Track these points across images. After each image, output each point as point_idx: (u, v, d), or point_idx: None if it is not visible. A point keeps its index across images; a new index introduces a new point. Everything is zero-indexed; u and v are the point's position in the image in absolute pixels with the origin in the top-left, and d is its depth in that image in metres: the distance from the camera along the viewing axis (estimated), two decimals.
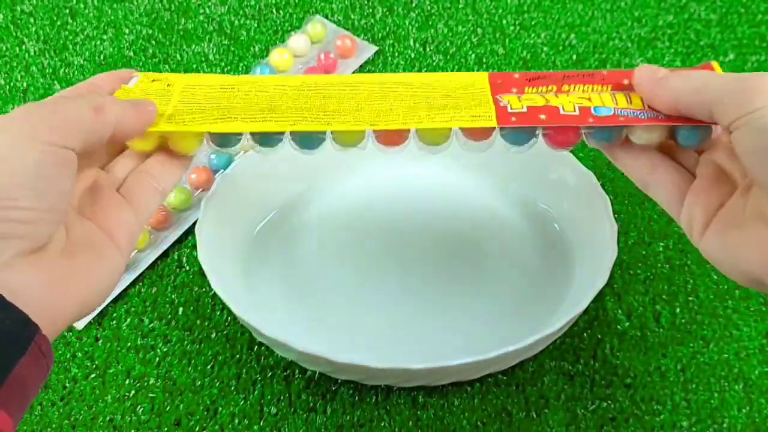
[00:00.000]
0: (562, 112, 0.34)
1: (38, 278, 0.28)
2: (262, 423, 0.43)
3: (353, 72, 0.60)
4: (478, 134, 0.35)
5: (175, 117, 0.35)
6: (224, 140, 0.36)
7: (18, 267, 0.28)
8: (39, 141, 0.28)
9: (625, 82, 0.35)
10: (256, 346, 0.46)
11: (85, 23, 0.63)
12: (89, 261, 0.31)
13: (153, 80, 0.37)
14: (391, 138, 0.35)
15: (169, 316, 0.47)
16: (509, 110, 0.34)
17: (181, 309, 0.47)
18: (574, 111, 0.34)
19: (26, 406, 0.27)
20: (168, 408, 0.43)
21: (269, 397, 0.43)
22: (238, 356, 0.45)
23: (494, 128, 0.34)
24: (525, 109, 0.34)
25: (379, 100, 0.36)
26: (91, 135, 0.30)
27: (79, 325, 0.46)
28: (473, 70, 0.60)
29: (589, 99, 0.35)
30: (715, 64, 0.35)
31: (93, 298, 0.31)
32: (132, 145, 0.36)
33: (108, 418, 0.43)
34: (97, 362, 0.45)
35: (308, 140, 0.35)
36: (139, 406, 0.43)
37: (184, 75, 0.38)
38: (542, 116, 0.34)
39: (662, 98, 0.33)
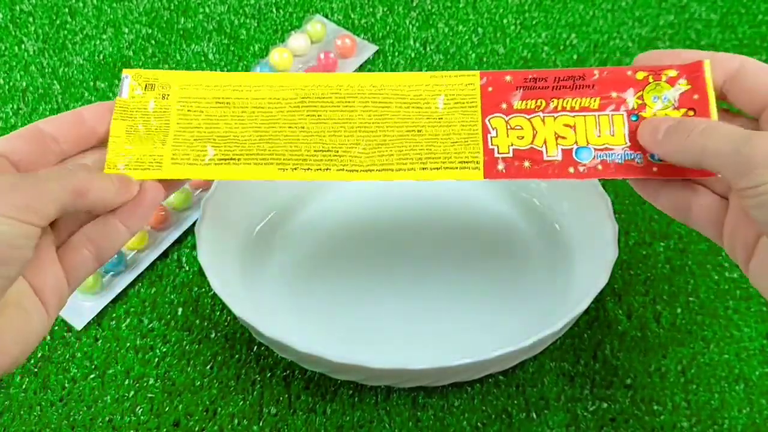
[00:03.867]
0: (546, 157, 0.35)
1: None
2: (261, 423, 0.42)
3: (353, 72, 0.60)
4: None
5: (175, 153, 0.35)
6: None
7: None
8: (15, 219, 0.28)
9: (613, 94, 0.35)
10: (255, 347, 0.45)
11: (85, 22, 0.63)
12: (17, 318, 0.30)
13: (146, 85, 0.37)
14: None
15: (169, 317, 0.47)
16: (496, 154, 0.35)
17: (180, 309, 0.47)
18: (557, 156, 0.35)
19: None
20: (167, 408, 0.43)
21: (268, 397, 0.43)
22: (237, 356, 0.45)
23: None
24: (511, 154, 0.35)
25: (374, 128, 0.36)
26: (65, 212, 0.31)
27: (78, 325, 0.46)
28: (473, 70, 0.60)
29: (574, 127, 0.35)
30: (706, 63, 0.34)
31: (13, 356, 0.30)
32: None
33: (107, 418, 0.43)
34: (96, 363, 0.45)
35: None
36: (138, 407, 0.43)
37: (177, 75, 0.37)
38: (526, 164, 0.35)
39: (668, 157, 0.33)
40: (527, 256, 0.48)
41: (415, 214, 0.50)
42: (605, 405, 0.43)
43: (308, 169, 0.35)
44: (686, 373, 0.44)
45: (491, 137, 0.35)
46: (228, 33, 0.63)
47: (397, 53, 0.61)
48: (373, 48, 0.61)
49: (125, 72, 0.37)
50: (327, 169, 0.35)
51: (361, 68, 0.60)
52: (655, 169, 0.34)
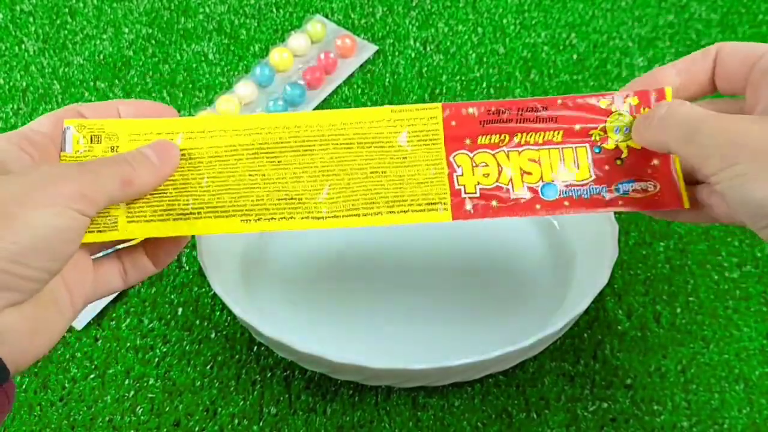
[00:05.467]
0: (512, 195, 0.35)
1: (20, 326, 0.29)
2: (261, 423, 0.42)
3: (353, 72, 0.60)
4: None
5: (130, 211, 0.34)
6: None
7: (5, 314, 0.28)
8: (71, 209, 0.29)
9: (576, 127, 0.35)
10: (255, 347, 0.45)
11: (85, 22, 0.63)
12: (51, 313, 0.31)
13: (92, 137, 0.34)
14: None
15: (169, 317, 0.47)
16: (463, 194, 0.35)
17: (180, 309, 0.47)
18: (524, 193, 0.35)
19: None
20: (167, 408, 0.43)
21: (269, 397, 0.43)
22: (237, 357, 0.45)
23: None
24: (478, 193, 0.35)
25: (337, 171, 0.35)
26: (112, 202, 0.32)
27: (79, 325, 0.46)
28: (474, 70, 0.60)
29: (539, 161, 0.35)
30: (668, 90, 0.34)
31: (43, 350, 0.31)
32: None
33: (107, 418, 0.43)
34: (96, 362, 0.45)
35: None
36: (138, 407, 0.43)
37: (125, 124, 0.35)
38: (494, 203, 0.35)
39: (653, 146, 0.33)
40: (527, 256, 0.48)
41: None
42: (605, 405, 0.43)
43: (272, 218, 0.35)
44: (686, 373, 0.44)
45: (457, 176, 0.35)
46: (228, 33, 0.63)
47: (397, 53, 0.61)
48: (373, 48, 0.61)
49: (66, 123, 0.34)
50: (291, 218, 0.35)
51: (362, 68, 0.60)
52: (621, 202, 0.35)
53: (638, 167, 0.35)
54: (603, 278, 0.40)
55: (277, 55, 0.59)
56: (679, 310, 0.47)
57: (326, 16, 0.64)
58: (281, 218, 0.35)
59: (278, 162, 0.35)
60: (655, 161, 0.35)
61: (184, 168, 0.35)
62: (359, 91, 0.59)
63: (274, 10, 0.65)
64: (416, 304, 0.46)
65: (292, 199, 0.35)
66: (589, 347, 0.45)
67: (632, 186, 0.35)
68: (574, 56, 0.61)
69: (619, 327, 0.46)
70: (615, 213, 0.40)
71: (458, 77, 0.60)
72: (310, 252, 0.48)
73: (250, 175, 0.35)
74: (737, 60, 0.32)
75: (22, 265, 0.28)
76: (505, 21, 0.63)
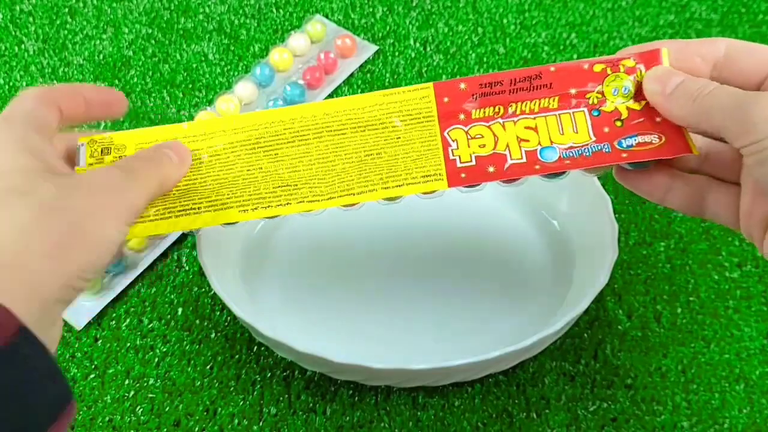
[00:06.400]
0: (509, 160, 0.34)
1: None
2: (261, 424, 0.42)
3: (353, 72, 0.60)
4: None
5: (142, 215, 0.35)
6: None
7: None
8: (126, 224, 0.30)
9: (572, 91, 0.35)
10: (255, 347, 0.45)
11: (85, 22, 0.63)
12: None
13: (102, 149, 0.36)
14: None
15: (169, 317, 0.47)
16: (458, 164, 0.35)
17: (180, 309, 0.47)
18: (521, 158, 0.34)
19: None
20: (167, 408, 0.43)
21: (269, 397, 0.43)
22: (237, 357, 0.45)
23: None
24: (473, 162, 0.35)
25: (332, 157, 0.36)
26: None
27: (78, 325, 0.46)
28: (474, 70, 0.60)
29: (536, 128, 0.35)
30: (663, 51, 0.34)
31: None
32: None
33: (107, 418, 0.43)
34: (96, 363, 0.45)
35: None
36: (138, 407, 0.43)
37: (131, 135, 0.37)
38: (491, 169, 0.34)
39: (672, 116, 0.33)
40: (527, 256, 0.48)
41: (415, 214, 0.50)
42: (606, 405, 0.43)
43: (268, 206, 0.35)
44: (687, 373, 0.44)
45: (452, 149, 0.35)
46: (228, 33, 0.63)
47: (397, 53, 0.61)
48: (373, 48, 0.61)
49: (80, 140, 0.36)
50: (287, 204, 0.35)
51: (362, 68, 0.60)
52: (624, 155, 0.34)
53: (640, 125, 0.34)
54: (603, 278, 0.40)
55: (277, 55, 0.58)
56: (679, 309, 0.47)
57: (326, 16, 0.64)
58: (278, 205, 0.35)
59: (275, 155, 0.36)
60: (658, 119, 0.34)
61: (196, 175, 0.36)
62: (359, 91, 0.59)
63: (274, 10, 0.65)
64: (416, 304, 0.46)
65: (287, 186, 0.35)
66: (589, 347, 0.45)
67: (636, 140, 0.34)
68: (575, 56, 0.61)
69: (620, 327, 0.46)
70: (623, 165, 0.36)
71: (458, 77, 0.60)
72: (310, 252, 0.48)
73: (248, 170, 0.36)
74: (755, 59, 0.32)
75: (82, 280, 0.28)
76: (505, 21, 0.63)
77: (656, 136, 0.34)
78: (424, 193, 0.35)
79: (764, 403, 0.43)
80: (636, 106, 0.34)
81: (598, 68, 0.35)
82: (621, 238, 0.49)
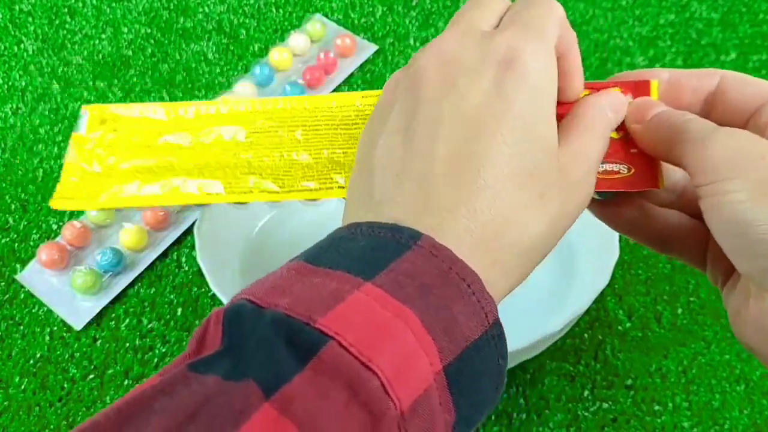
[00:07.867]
0: None
1: None
2: None
3: (353, 71, 0.60)
4: None
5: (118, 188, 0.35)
6: None
7: None
8: None
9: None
10: None
11: (84, 22, 0.63)
12: None
13: (101, 121, 0.37)
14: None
15: (168, 317, 0.47)
16: None
17: (179, 309, 0.47)
18: None
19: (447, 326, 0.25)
20: None
21: None
22: None
23: None
24: None
25: (300, 152, 0.36)
26: None
27: (78, 325, 0.46)
28: None
29: None
30: (653, 83, 0.33)
31: None
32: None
33: None
34: (95, 363, 0.45)
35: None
36: None
37: (129, 118, 0.37)
38: None
39: (644, 145, 0.32)
40: None
41: None
42: (606, 405, 0.43)
43: (231, 192, 0.36)
44: (687, 374, 0.44)
45: None
46: (228, 32, 0.63)
47: (397, 53, 0.61)
48: (373, 47, 0.61)
49: (84, 108, 0.37)
50: (250, 192, 0.36)
51: (361, 67, 0.60)
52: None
53: (612, 154, 0.33)
54: (604, 278, 0.40)
55: (277, 55, 0.58)
56: (680, 310, 0.47)
57: (326, 16, 0.64)
58: (241, 192, 0.36)
59: (250, 143, 0.37)
60: (633, 150, 0.33)
61: (172, 156, 0.36)
62: (359, 90, 0.59)
63: (274, 9, 0.64)
64: None
65: (252, 174, 0.36)
66: (589, 347, 0.45)
67: (603, 167, 0.33)
68: None
69: (620, 327, 0.46)
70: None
71: None
72: None
73: (223, 156, 0.37)
74: (746, 93, 0.31)
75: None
76: None
77: (625, 166, 0.33)
78: None
79: (765, 404, 0.43)
80: (614, 135, 0.34)
81: (583, 95, 0.34)
82: (622, 238, 0.49)
